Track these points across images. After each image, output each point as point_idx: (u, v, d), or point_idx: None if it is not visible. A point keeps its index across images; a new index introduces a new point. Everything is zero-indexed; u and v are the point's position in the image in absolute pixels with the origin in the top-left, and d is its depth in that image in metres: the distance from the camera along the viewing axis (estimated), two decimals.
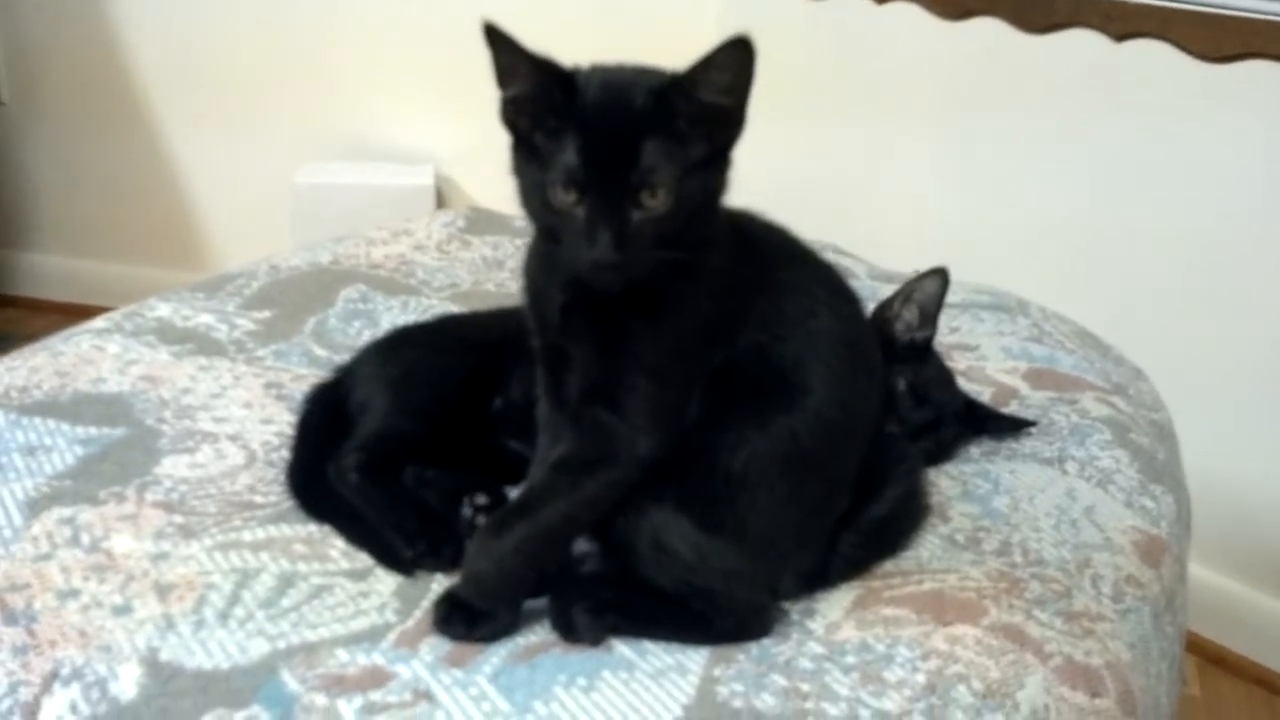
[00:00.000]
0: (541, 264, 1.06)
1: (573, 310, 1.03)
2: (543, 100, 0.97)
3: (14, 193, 3.29)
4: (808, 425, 1.04)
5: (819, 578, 1.12)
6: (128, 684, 0.95)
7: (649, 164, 0.94)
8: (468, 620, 1.02)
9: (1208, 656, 2.36)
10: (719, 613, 1.04)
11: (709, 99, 0.95)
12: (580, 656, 1.01)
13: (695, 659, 1.02)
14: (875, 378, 1.16)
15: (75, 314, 2.46)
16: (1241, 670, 2.34)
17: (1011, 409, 1.50)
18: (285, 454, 1.25)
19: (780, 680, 1.00)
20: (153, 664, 0.96)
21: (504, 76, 0.98)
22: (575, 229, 0.96)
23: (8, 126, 3.24)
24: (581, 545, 1.09)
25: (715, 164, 0.99)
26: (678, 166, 0.95)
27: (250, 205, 3.17)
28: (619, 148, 0.94)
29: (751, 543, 1.05)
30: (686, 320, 1.01)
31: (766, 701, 0.98)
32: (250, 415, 1.33)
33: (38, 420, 1.27)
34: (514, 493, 1.19)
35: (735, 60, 0.94)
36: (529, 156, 0.98)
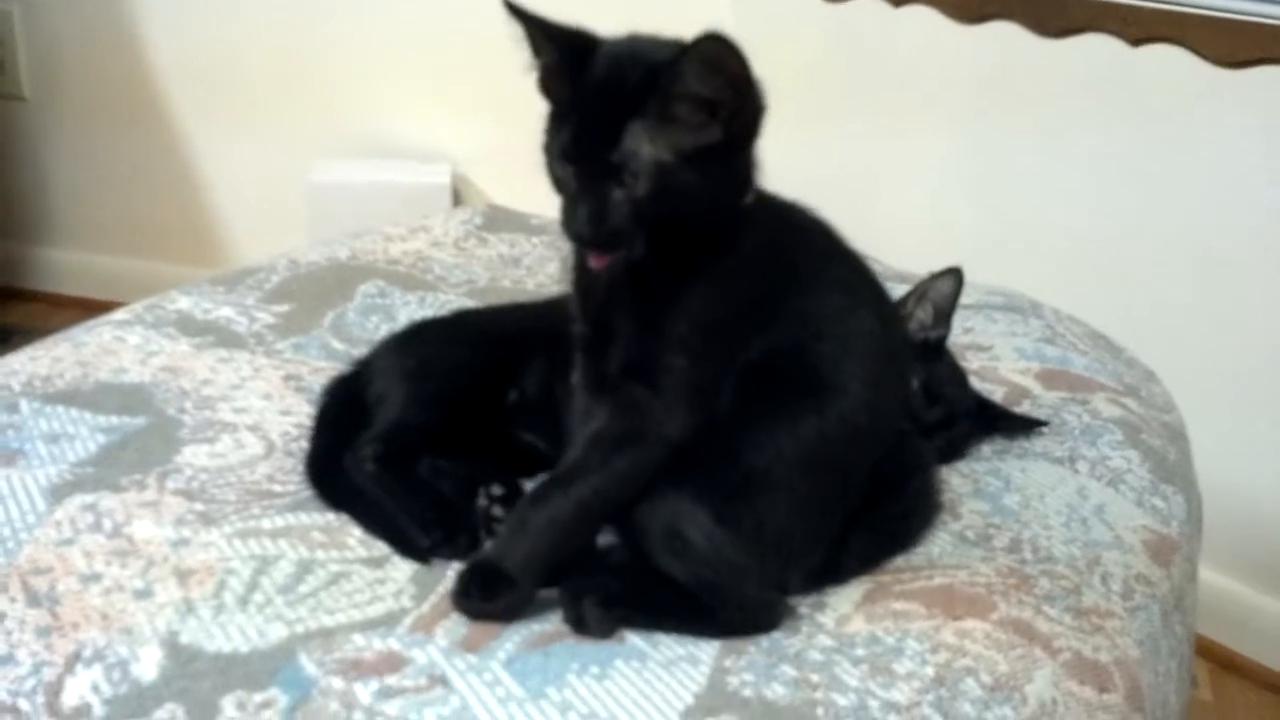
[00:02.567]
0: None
1: (618, 287, 1.04)
2: (560, 72, 1.00)
3: (34, 188, 3.32)
4: (837, 429, 1.05)
5: (828, 575, 1.13)
6: (148, 666, 0.96)
7: (629, 145, 0.96)
8: (486, 592, 1.03)
9: (1220, 661, 2.35)
10: (726, 606, 1.05)
11: (698, 91, 0.96)
12: (594, 645, 1.02)
13: (707, 650, 1.03)
14: (906, 383, 1.18)
15: (93, 309, 2.47)
16: (1254, 675, 2.34)
17: (1024, 409, 1.50)
18: (304, 444, 1.27)
19: (790, 671, 1.01)
20: (173, 646, 0.98)
21: (533, 49, 1.02)
22: (568, 200, 0.99)
23: (28, 123, 3.26)
24: (607, 537, 1.10)
25: (722, 154, 0.99)
26: (664, 151, 0.96)
27: (266, 202, 3.18)
28: (606, 125, 0.96)
29: (765, 540, 1.06)
30: (726, 304, 1.03)
31: (776, 691, 0.99)
32: (269, 406, 1.34)
33: (60, 409, 1.29)
34: (527, 484, 1.21)
35: (711, 57, 0.95)
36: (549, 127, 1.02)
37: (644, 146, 0.96)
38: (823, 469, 1.06)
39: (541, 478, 1.21)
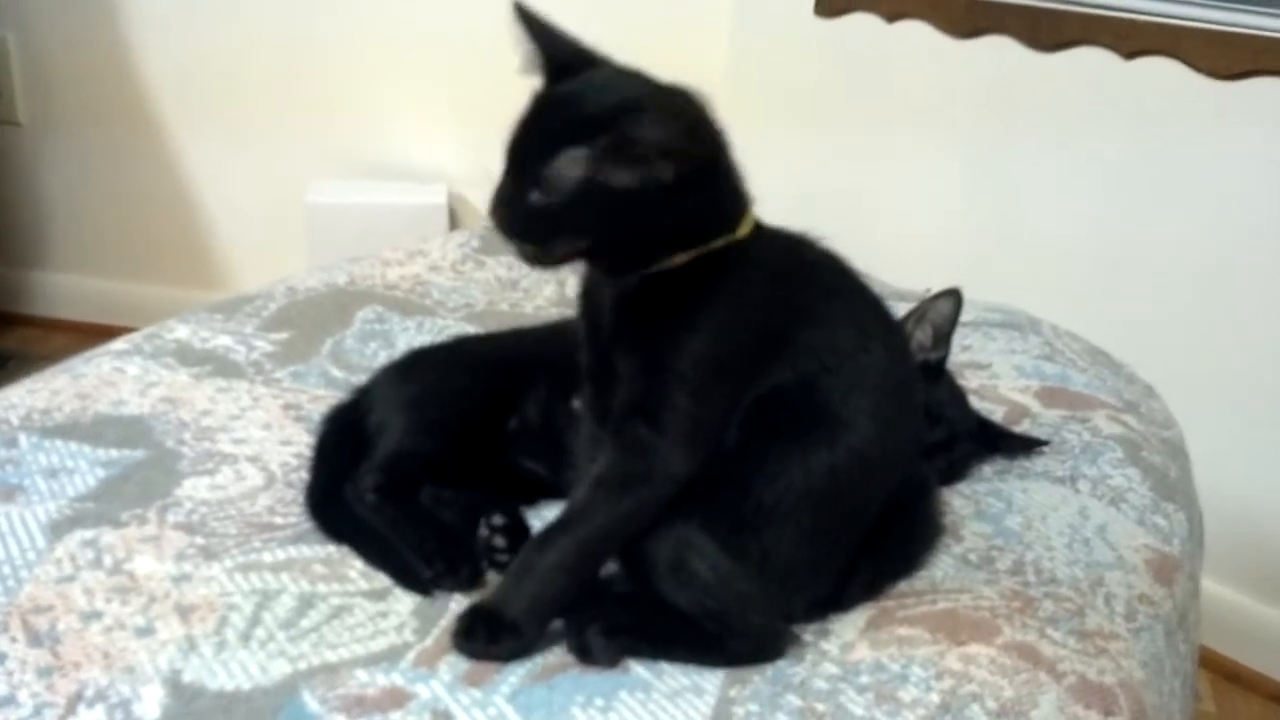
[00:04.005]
0: (595, 275, 1.08)
1: (620, 323, 1.05)
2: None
3: (30, 212, 3.32)
4: (848, 463, 1.05)
5: (832, 603, 1.13)
6: (151, 705, 0.96)
7: (560, 167, 0.98)
8: (490, 635, 1.03)
9: (1222, 673, 2.35)
10: (732, 635, 1.05)
11: (642, 137, 0.96)
12: (598, 677, 1.02)
13: (711, 680, 1.03)
14: (917, 416, 1.17)
15: (90, 333, 2.49)
16: (1256, 686, 2.34)
17: (1024, 428, 1.50)
18: (304, 475, 1.26)
19: (795, 700, 1.01)
20: (175, 685, 0.98)
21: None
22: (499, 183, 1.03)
23: (23, 147, 3.26)
24: (611, 566, 1.10)
25: (672, 193, 0.99)
26: (598, 176, 0.97)
27: (263, 223, 3.19)
28: (548, 141, 0.98)
29: (771, 571, 1.05)
30: (729, 341, 1.03)
31: None
32: (269, 436, 1.34)
33: (60, 442, 1.29)
34: (529, 512, 1.21)
35: (664, 109, 0.97)
36: None
37: (574, 171, 0.97)
38: (832, 502, 1.06)
39: (543, 505, 1.22)
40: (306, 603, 1.08)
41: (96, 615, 1.04)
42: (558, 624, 1.06)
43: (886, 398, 1.08)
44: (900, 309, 1.46)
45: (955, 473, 1.38)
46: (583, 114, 0.99)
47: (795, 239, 1.11)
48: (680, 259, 1.02)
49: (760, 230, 1.07)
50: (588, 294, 1.09)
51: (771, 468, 1.04)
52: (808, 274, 1.10)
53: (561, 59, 1.04)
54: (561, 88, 1.02)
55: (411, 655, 1.03)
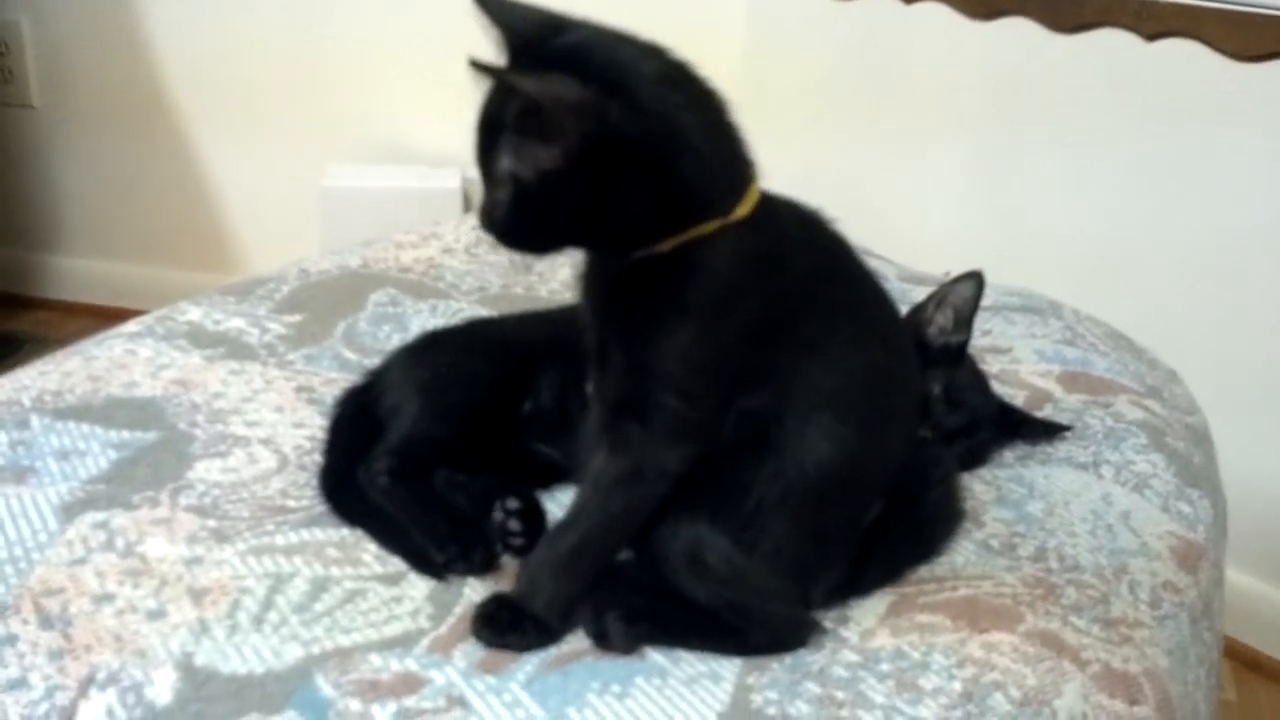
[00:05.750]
0: (590, 257, 1.04)
1: (606, 316, 1.02)
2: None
3: (44, 196, 3.31)
4: (848, 458, 1.02)
5: (850, 587, 1.11)
6: (163, 688, 0.95)
7: (498, 156, 0.93)
8: (511, 624, 1.02)
9: (1244, 661, 2.33)
10: (753, 626, 1.04)
11: (541, 111, 0.89)
12: (613, 663, 1.01)
13: (729, 667, 1.02)
14: (916, 399, 1.16)
15: (105, 316, 2.48)
16: (1278, 674, 2.32)
17: (1046, 413, 1.48)
18: (317, 457, 1.25)
19: (814, 688, 0.99)
20: (187, 668, 0.97)
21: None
22: None
23: (38, 130, 3.26)
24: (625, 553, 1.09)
25: (595, 175, 0.91)
26: (522, 166, 0.92)
27: (277, 208, 3.18)
28: (493, 131, 0.94)
29: (784, 563, 1.04)
30: (711, 337, 0.98)
31: (801, 709, 0.97)
32: (282, 419, 1.33)
33: (71, 424, 1.28)
34: (544, 496, 1.20)
35: (549, 80, 0.89)
36: None
37: (504, 159, 0.93)
38: (836, 495, 1.05)
39: (557, 489, 1.21)
40: (320, 586, 1.07)
41: (108, 598, 1.03)
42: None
43: (886, 391, 1.07)
44: (919, 292, 1.45)
45: (976, 458, 1.36)
46: (504, 91, 0.92)
47: (802, 220, 1.06)
48: (666, 245, 0.95)
49: (763, 209, 0.98)
50: (585, 277, 1.04)
51: (772, 466, 1.02)
52: (808, 261, 1.04)
53: (523, 34, 0.95)
54: (504, 69, 0.95)
55: (426, 641, 1.02)
